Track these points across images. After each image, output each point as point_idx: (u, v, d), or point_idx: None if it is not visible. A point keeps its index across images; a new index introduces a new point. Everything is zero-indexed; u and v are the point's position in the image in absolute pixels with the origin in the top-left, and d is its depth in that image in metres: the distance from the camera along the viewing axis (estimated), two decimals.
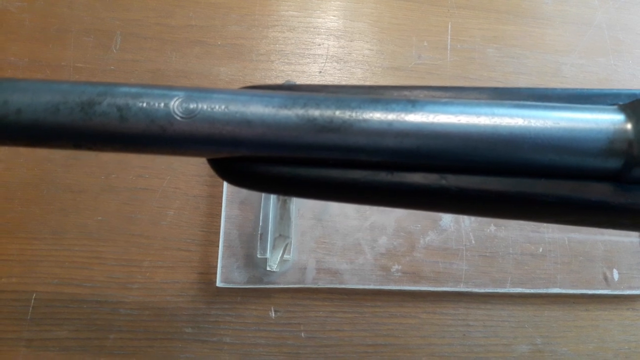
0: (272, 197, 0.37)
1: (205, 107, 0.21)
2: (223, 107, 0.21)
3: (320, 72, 0.42)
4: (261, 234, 0.36)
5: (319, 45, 0.43)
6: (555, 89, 0.25)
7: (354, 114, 0.21)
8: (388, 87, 0.24)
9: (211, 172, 0.38)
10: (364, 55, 0.43)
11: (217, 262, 0.36)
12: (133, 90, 0.21)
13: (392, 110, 0.21)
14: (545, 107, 0.22)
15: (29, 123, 0.20)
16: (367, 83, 0.42)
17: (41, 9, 0.40)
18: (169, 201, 0.37)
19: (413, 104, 0.22)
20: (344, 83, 0.42)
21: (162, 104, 0.21)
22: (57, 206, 0.36)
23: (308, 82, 0.41)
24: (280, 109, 0.21)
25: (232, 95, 0.21)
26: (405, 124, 0.21)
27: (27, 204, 0.36)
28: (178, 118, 0.21)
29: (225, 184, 0.38)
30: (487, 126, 0.21)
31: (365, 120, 0.21)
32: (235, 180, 0.23)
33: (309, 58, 0.43)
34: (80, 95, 0.21)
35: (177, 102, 0.21)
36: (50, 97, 0.20)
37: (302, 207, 0.36)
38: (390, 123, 0.21)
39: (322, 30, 0.44)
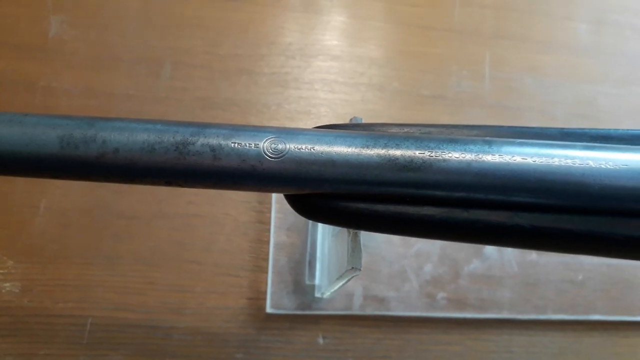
0: (320, 225, 0.38)
1: (293, 147, 0.22)
2: (309, 147, 0.22)
3: (363, 100, 0.43)
4: (309, 261, 0.37)
5: (361, 74, 0.44)
6: (617, 130, 0.26)
7: (433, 154, 0.22)
8: (459, 125, 0.25)
9: (259, 198, 0.39)
10: (404, 84, 0.44)
11: (266, 288, 0.37)
12: (223, 130, 0.22)
13: (470, 151, 0.22)
14: (614, 149, 0.23)
15: (126, 162, 0.21)
16: (409, 111, 0.43)
17: (94, 38, 0.41)
18: (219, 227, 0.38)
19: (489, 144, 0.23)
20: (385, 111, 0.43)
21: (253, 144, 0.22)
22: (111, 232, 0.37)
23: (352, 111, 0.42)
24: (363, 149, 0.22)
25: (317, 136, 0.22)
26: (484, 164, 0.22)
27: (83, 229, 0.36)
28: (268, 158, 0.22)
29: (273, 210, 0.39)
30: (560, 167, 0.22)
31: (444, 160, 0.22)
32: (313, 216, 0.24)
33: (351, 86, 0.44)
34: (175, 135, 0.21)
35: (267, 143, 0.22)
36: (146, 136, 0.21)
37: None
38: (469, 163, 0.22)
39: (364, 59, 0.45)
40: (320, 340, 0.36)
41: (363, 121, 0.28)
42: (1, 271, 0.35)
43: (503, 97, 0.45)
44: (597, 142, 0.24)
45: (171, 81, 0.41)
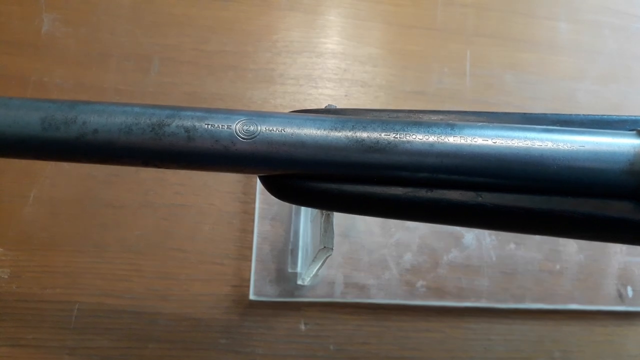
0: (302, 214, 0.39)
1: (264, 129, 0.23)
2: (280, 129, 0.23)
3: (346, 95, 0.45)
4: (292, 249, 0.38)
5: (345, 70, 0.46)
6: (579, 115, 0.27)
7: (398, 136, 0.23)
8: (425, 111, 0.26)
9: (244, 189, 0.40)
10: (387, 80, 0.46)
11: (249, 276, 0.38)
12: (198, 113, 0.23)
13: (433, 133, 0.23)
14: (572, 132, 0.24)
15: (104, 142, 0.22)
16: (391, 107, 0.44)
17: (85, 35, 0.43)
18: (204, 217, 0.39)
19: (452, 127, 0.24)
20: (368, 106, 0.44)
21: (226, 126, 0.23)
22: (99, 221, 0.38)
23: (336, 106, 0.43)
24: (331, 131, 0.23)
25: (288, 119, 0.23)
26: (446, 145, 0.23)
27: (71, 218, 0.37)
28: (240, 139, 0.23)
29: (257, 201, 0.40)
30: (520, 148, 0.23)
31: (408, 142, 0.23)
32: (285, 196, 0.25)
33: (335, 82, 0.45)
34: (151, 117, 0.23)
35: (239, 124, 0.23)
36: (123, 118, 0.22)
37: None
38: (431, 144, 0.23)
39: (348, 56, 0.46)
40: (302, 327, 0.37)
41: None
42: None
43: (483, 94, 0.46)
44: (557, 126, 0.25)
45: (159, 76, 0.42)
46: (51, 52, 0.42)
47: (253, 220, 0.39)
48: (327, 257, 0.28)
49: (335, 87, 0.45)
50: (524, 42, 0.50)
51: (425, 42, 0.48)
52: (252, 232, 0.39)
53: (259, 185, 0.40)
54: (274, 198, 0.40)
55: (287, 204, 0.39)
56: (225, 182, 0.40)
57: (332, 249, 0.27)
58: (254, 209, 0.39)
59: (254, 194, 0.40)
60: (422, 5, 0.49)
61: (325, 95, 0.44)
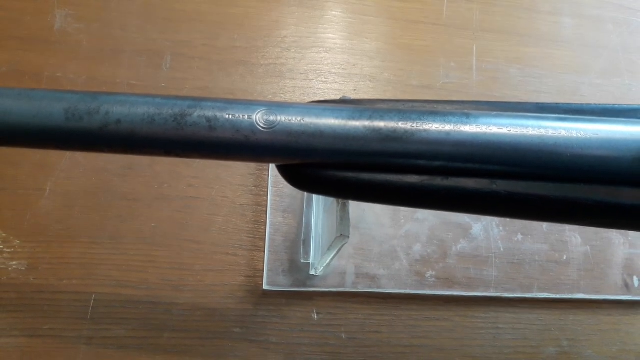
0: (314, 206, 0.39)
1: (284, 119, 0.23)
2: (299, 119, 0.24)
3: (355, 90, 0.45)
4: (304, 240, 0.39)
5: (354, 65, 0.46)
6: (590, 104, 0.27)
7: (415, 125, 0.24)
8: (441, 101, 0.27)
9: (256, 182, 0.41)
10: (395, 75, 0.46)
11: (262, 266, 0.38)
12: (218, 103, 0.24)
13: (449, 122, 0.24)
14: (585, 120, 0.25)
15: (127, 132, 0.23)
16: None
17: (97, 31, 0.43)
18: (217, 209, 0.39)
19: (467, 116, 0.24)
20: None
21: (246, 116, 0.23)
22: (114, 213, 0.38)
23: (351, 97, 0.44)
24: (349, 120, 0.24)
25: (307, 109, 0.24)
26: (462, 133, 0.24)
27: (87, 211, 0.38)
28: (260, 128, 0.23)
29: (269, 193, 0.40)
30: (534, 137, 0.24)
31: (425, 131, 0.24)
32: (303, 185, 0.26)
33: (344, 77, 0.46)
34: (173, 108, 0.23)
35: (259, 114, 0.23)
36: (146, 109, 0.23)
37: None
38: (448, 133, 0.24)
39: (356, 52, 0.47)
40: (315, 316, 0.38)
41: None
42: (8, 250, 0.36)
43: (489, 87, 0.47)
44: (570, 115, 0.26)
45: (171, 72, 0.43)
46: (64, 48, 0.42)
47: (265, 212, 0.40)
48: (342, 245, 0.29)
49: (344, 82, 0.45)
50: (529, 36, 0.50)
51: (432, 37, 0.48)
52: (264, 223, 0.39)
53: (270, 177, 0.40)
54: (286, 190, 0.41)
55: (299, 196, 0.40)
56: (237, 175, 0.40)
57: (349, 236, 0.27)
58: (266, 201, 0.40)
59: (266, 187, 0.40)
60: (428, 1, 0.50)
61: (335, 90, 0.45)
